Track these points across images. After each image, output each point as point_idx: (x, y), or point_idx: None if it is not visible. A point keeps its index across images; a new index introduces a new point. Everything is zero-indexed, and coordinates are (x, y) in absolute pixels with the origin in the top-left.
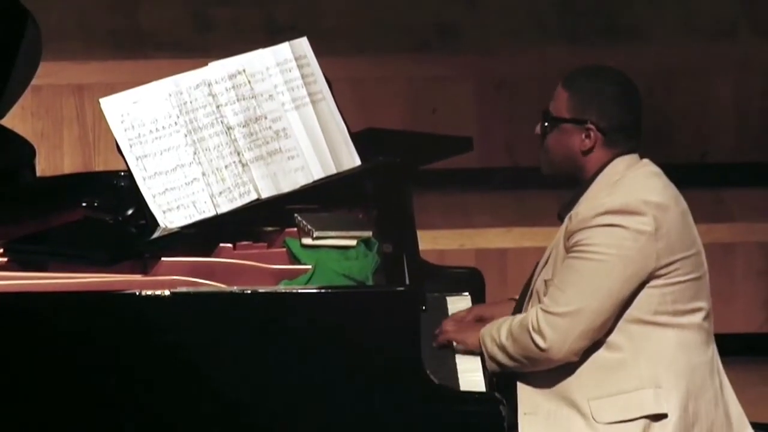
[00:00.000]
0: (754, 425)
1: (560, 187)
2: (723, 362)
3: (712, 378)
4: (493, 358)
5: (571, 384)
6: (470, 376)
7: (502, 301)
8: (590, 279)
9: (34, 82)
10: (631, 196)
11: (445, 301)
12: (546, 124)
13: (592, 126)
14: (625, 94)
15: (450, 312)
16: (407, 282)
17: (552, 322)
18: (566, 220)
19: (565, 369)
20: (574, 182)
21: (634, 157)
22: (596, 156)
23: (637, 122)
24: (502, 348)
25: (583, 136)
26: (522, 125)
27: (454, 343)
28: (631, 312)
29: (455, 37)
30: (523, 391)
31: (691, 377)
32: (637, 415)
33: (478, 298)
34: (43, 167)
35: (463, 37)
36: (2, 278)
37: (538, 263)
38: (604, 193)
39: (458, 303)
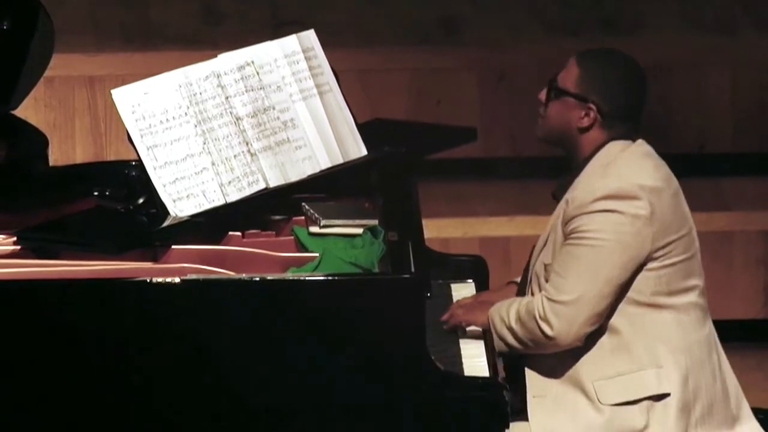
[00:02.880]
0: (751, 410)
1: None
2: (722, 347)
3: (710, 354)
4: (501, 338)
5: (576, 367)
6: (474, 361)
7: (505, 287)
8: (590, 265)
9: (46, 73)
10: (626, 179)
11: (450, 288)
12: (552, 92)
13: (593, 106)
14: (632, 81)
15: (454, 299)
16: (412, 269)
17: (557, 310)
18: (562, 203)
19: (571, 352)
20: (564, 154)
21: (628, 142)
22: (591, 136)
23: (639, 111)
24: (511, 330)
25: (583, 113)
26: (524, 116)
27: (464, 325)
28: (628, 294)
29: (458, 30)
30: (532, 375)
31: (689, 354)
32: (641, 396)
33: (482, 285)
34: (55, 157)
35: (466, 30)
36: (16, 266)
37: (534, 246)
38: (598, 176)
39: (462, 290)
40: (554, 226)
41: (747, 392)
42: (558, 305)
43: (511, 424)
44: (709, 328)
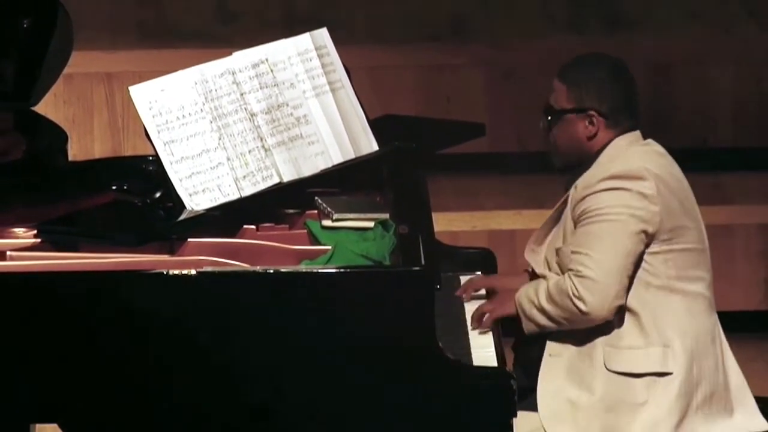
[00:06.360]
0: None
1: (569, 172)
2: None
3: (713, 344)
4: (532, 320)
5: (593, 331)
6: (483, 351)
7: (517, 273)
8: (610, 238)
9: (65, 70)
10: (633, 163)
11: (459, 280)
12: (549, 118)
13: (593, 112)
14: (617, 74)
15: None
16: (422, 262)
17: (589, 286)
18: (571, 190)
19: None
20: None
21: (636, 134)
22: (600, 138)
23: (634, 99)
24: (542, 311)
25: (587, 122)
26: (530, 112)
27: (497, 317)
28: (642, 277)
29: (467, 28)
30: (552, 337)
31: (696, 340)
32: (645, 371)
33: None
34: (74, 152)
35: (474, 28)
36: (35, 258)
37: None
38: (605, 163)
39: None
40: (563, 212)
41: (747, 382)
42: (588, 281)
43: (519, 413)
44: (715, 321)
